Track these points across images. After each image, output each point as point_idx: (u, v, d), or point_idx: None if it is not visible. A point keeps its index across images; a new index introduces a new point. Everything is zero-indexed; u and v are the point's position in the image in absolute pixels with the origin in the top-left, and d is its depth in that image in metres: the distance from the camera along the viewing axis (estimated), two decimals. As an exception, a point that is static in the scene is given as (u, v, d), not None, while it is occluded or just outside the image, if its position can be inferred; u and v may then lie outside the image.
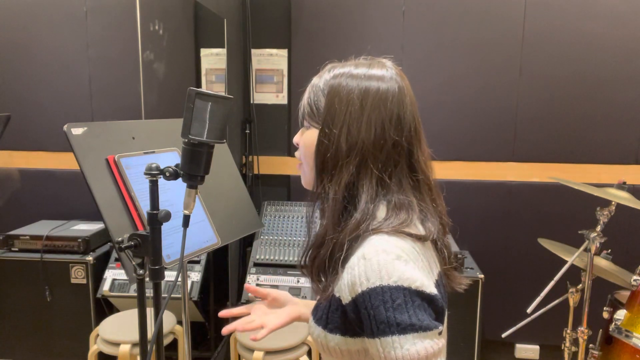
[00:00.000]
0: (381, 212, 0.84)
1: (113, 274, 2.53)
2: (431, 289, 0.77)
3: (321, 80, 0.90)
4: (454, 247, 2.62)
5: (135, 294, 1.23)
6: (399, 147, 0.85)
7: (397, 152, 0.85)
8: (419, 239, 0.83)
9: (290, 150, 3.03)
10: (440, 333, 0.77)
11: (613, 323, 1.99)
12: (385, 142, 0.84)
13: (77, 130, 1.34)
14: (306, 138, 0.92)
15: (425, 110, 2.85)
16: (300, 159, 0.95)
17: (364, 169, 0.84)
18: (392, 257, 0.76)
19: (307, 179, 0.94)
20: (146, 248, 1.17)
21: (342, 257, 0.82)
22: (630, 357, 1.92)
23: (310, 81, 0.93)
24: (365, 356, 0.82)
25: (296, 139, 0.95)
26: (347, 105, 0.85)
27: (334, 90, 0.86)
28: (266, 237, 2.71)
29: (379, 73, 0.87)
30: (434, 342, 0.75)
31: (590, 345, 2.07)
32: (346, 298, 0.79)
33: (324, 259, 0.85)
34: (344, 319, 0.82)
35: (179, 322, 2.24)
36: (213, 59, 2.80)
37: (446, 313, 0.90)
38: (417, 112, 0.90)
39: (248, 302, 2.48)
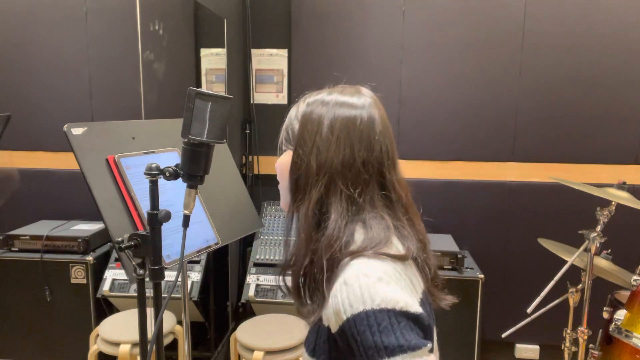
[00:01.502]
0: (359, 234, 0.84)
1: (113, 274, 2.53)
2: (416, 307, 0.77)
3: (297, 109, 0.94)
4: (454, 247, 2.62)
5: (135, 294, 1.23)
6: (368, 166, 0.88)
7: (367, 172, 0.87)
8: (399, 258, 0.83)
9: (290, 150, 3.03)
10: (430, 350, 0.77)
11: (613, 323, 1.99)
12: (354, 161, 0.87)
13: (77, 130, 1.34)
14: (282, 159, 0.95)
15: (425, 110, 2.86)
16: (278, 179, 0.98)
17: (333, 188, 0.87)
18: (373, 280, 0.76)
19: (284, 201, 0.96)
20: (146, 248, 1.17)
21: (324, 278, 0.82)
22: (630, 357, 1.92)
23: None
24: None
25: (275, 164, 0.98)
26: (317, 127, 0.88)
27: (307, 115, 0.91)
28: (266, 237, 2.71)
29: (350, 100, 0.90)
30: None
31: (590, 345, 2.07)
32: (334, 327, 0.79)
33: (297, 277, 0.87)
34: (336, 348, 0.81)
35: (179, 322, 2.24)
36: (213, 59, 2.80)
37: (435, 330, 0.90)
38: (392, 136, 0.92)
39: (248, 302, 2.48)
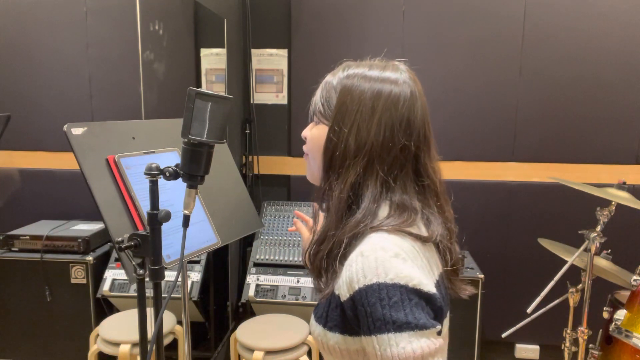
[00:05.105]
0: (383, 211, 0.84)
1: (113, 274, 2.53)
2: (429, 287, 0.77)
3: (335, 78, 0.90)
4: (454, 247, 2.62)
5: (135, 294, 1.23)
6: (406, 151, 0.86)
7: (404, 156, 0.86)
8: (420, 239, 0.83)
9: (290, 150, 3.03)
10: (439, 333, 0.77)
11: (613, 323, 1.99)
12: (393, 145, 0.85)
13: (77, 130, 1.34)
14: (314, 133, 0.92)
15: (425, 110, 2.85)
16: (307, 152, 0.96)
17: (370, 170, 0.85)
18: (389, 255, 0.77)
19: (313, 173, 0.95)
20: (146, 248, 1.17)
21: (339, 254, 0.82)
22: (630, 357, 1.92)
23: (321, 79, 0.94)
24: (364, 356, 0.81)
25: (305, 132, 0.96)
26: (358, 105, 0.85)
27: (347, 90, 0.87)
28: (266, 237, 2.71)
29: (393, 76, 0.88)
30: (431, 342, 0.74)
31: (590, 345, 2.07)
32: (344, 295, 0.79)
33: (322, 255, 0.86)
34: (343, 317, 0.82)
35: (179, 322, 2.24)
36: (213, 59, 2.80)
37: (447, 314, 0.89)
38: (428, 117, 0.91)
39: (248, 302, 2.48)
